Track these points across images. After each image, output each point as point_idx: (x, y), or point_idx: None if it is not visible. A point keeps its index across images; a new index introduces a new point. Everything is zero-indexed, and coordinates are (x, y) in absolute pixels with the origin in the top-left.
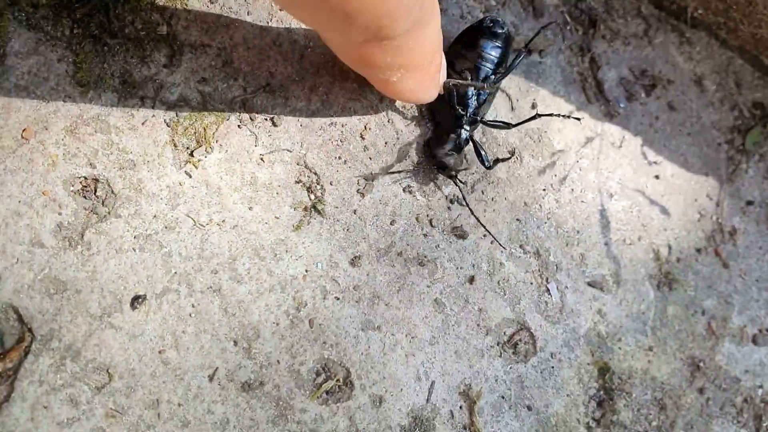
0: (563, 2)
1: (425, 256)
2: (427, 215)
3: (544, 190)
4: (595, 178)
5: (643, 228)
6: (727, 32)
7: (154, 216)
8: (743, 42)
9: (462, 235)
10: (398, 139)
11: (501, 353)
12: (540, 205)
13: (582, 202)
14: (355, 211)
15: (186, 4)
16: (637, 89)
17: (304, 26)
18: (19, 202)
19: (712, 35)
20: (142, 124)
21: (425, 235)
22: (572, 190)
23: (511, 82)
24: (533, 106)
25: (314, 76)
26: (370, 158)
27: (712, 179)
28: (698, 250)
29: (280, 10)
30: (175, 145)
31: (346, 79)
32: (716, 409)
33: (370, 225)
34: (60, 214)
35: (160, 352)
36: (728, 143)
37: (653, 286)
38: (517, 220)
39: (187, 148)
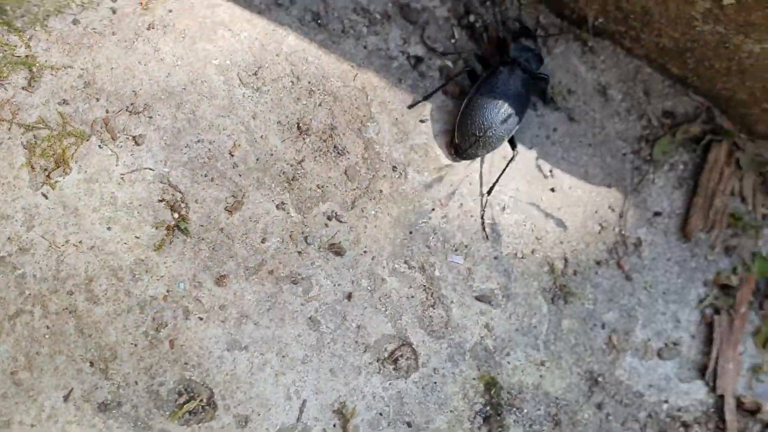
0: (453, 15)
1: (299, 274)
2: (302, 232)
3: (432, 207)
4: (485, 191)
5: (538, 241)
6: (631, 41)
7: (8, 238)
8: (648, 51)
9: (339, 252)
10: (272, 155)
11: (380, 369)
12: (427, 221)
13: (471, 216)
14: (222, 230)
15: (46, 26)
16: (534, 100)
17: (173, 44)
18: None
19: (617, 44)
20: None
21: (299, 253)
22: (461, 204)
23: (395, 97)
24: (422, 121)
25: (181, 93)
26: (240, 175)
27: (615, 191)
28: (598, 263)
29: (148, 29)
30: (32, 167)
31: (215, 97)
32: (617, 425)
33: (238, 243)
34: None
35: (12, 373)
36: (635, 153)
37: (546, 299)
38: (402, 235)
39: (45, 169)
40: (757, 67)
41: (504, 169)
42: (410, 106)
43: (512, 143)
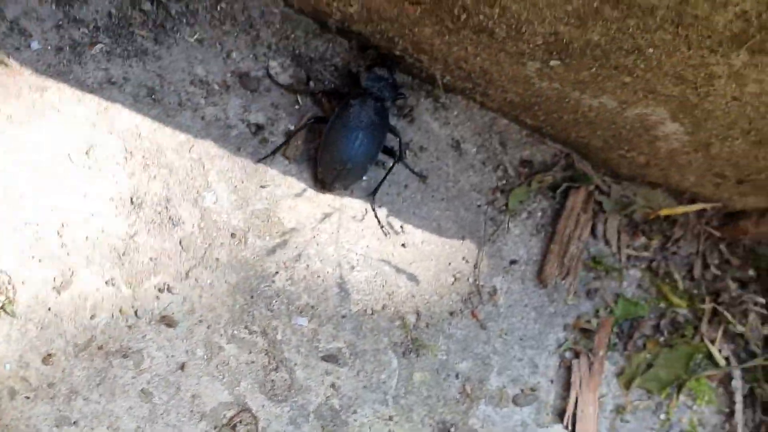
0: (296, 81)
1: (129, 348)
2: (132, 306)
3: (276, 270)
4: (334, 251)
5: (389, 297)
6: (481, 96)
7: None
8: (499, 104)
9: (171, 324)
10: (102, 232)
11: None
12: (270, 284)
13: (318, 276)
14: (50, 309)
15: None
16: (383, 160)
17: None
18: None
19: (469, 99)
20: None
21: (129, 327)
22: (308, 266)
23: (234, 165)
24: (263, 186)
25: (5, 177)
26: (68, 254)
27: (469, 242)
28: (451, 314)
29: None
30: None
31: (43, 178)
32: None
33: (67, 321)
34: None
35: None
36: (489, 204)
37: (397, 354)
38: (242, 301)
39: None
40: (602, 119)
41: (386, 174)
42: (259, 161)
43: (391, 153)
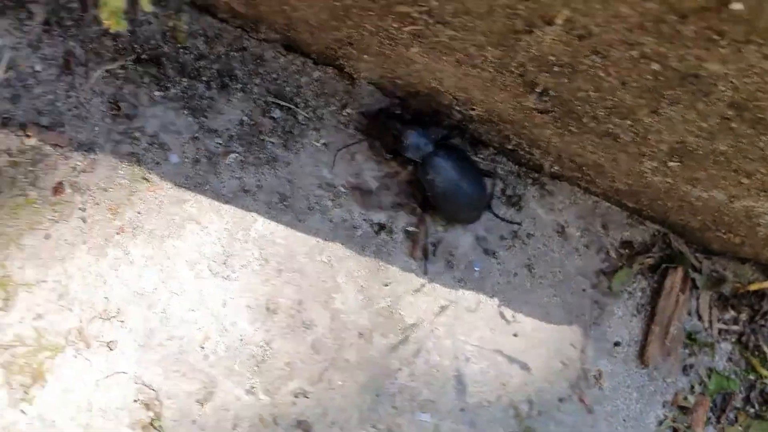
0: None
1: None
2: (271, 413)
3: (398, 367)
4: (450, 344)
5: (503, 387)
6: (587, 183)
7: None
8: (604, 190)
9: (307, 429)
10: (242, 341)
11: None
12: (393, 381)
13: (437, 371)
14: (194, 421)
15: (20, 245)
16: (496, 248)
17: (143, 246)
18: None
19: (574, 185)
20: None
21: None
22: (427, 360)
23: (360, 265)
24: (386, 285)
25: (152, 293)
26: (210, 366)
27: (576, 326)
28: (561, 400)
29: (118, 234)
30: (10, 386)
31: (185, 292)
32: None
33: None
34: None
35: None
36: (594, 288)
37: None
38: (369, 400)
39: (22, 385)
40: (707, 208)
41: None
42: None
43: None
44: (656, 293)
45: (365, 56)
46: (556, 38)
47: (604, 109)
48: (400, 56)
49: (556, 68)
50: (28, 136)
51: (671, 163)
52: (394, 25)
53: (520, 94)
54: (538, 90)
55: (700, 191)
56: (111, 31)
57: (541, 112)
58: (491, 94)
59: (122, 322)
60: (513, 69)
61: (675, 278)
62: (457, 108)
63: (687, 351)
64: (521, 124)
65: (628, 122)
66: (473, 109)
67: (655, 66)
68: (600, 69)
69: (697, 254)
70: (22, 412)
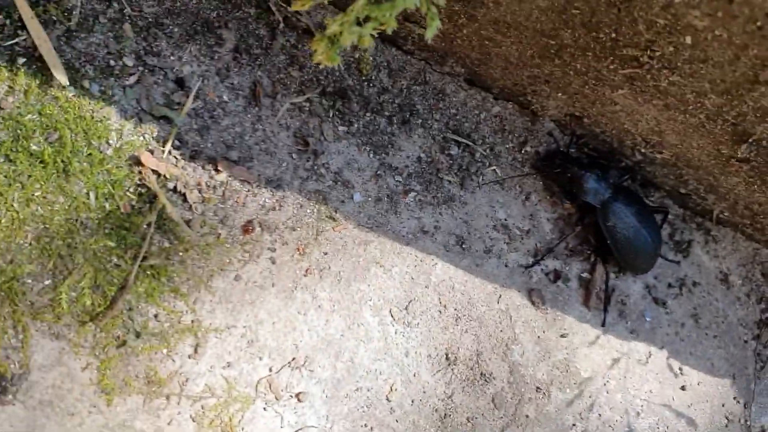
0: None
1: None
2: None
3: (573, 422)
4: (621, 398)
5: None
6: (753, 230)
7: None
8: None
9: None
10: (425, 393)
11: None
12: None
13: (609, 426)
14: None
15: (210, 287)
16: (665, 297)
17: (329, 289)
18: None
19: (737, 231)
20: (168, 424)
21: None
22: (600, 415)
23: (536, 314)
24: (563, 336)
25: (339, 340)
26: (397, 420)
27: (739, 380)
28: None
29: (305, 275)
30: None
31: (371, 339)
32: None
33: None
34: None
35: None
36: (755, 339)
37: None
38: None
39: None
40: None
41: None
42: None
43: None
44: None
45: (559, 94)
46: None
47: None
48: (601, 96)
49: None
50: (218, 171)
51: None
52: (610, 67)
53: (724, 141)
54: (751, 139)
55: None
56: (322, 65)
57: (740, 161)
58: (689, 139)
59: (311, 371)
60: (729, 117)
61: None
62: (642, 150)
63: None
64: (709, 170)
65: None
66: (660, 153)
67: None
68: None
69: None
70: None
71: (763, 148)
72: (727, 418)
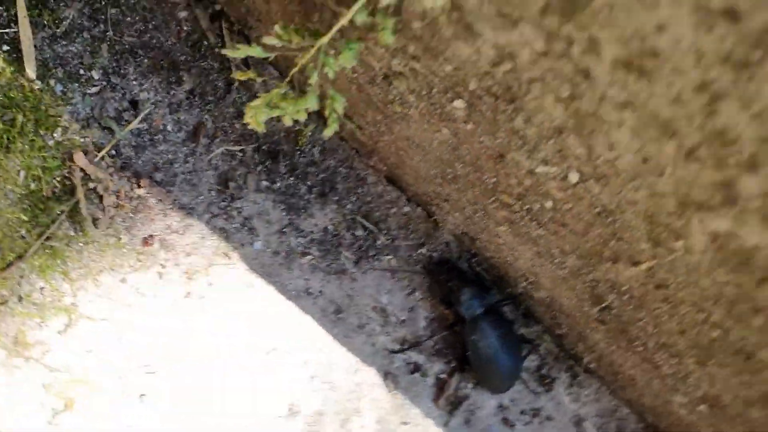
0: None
1: None
2: None
3: None
4: None
5: None
6: (617, 388)
7: None
8: (630, 400)
9: None
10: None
11: None
12: None
13: None
14: None
15: (97, 280)
16: (515, 420)
17: (203, 316)
18: None
19: (604, 384)
20: (20, 381)
21: None
22: None
23: (386, 397)
24: (404, 423)
25: (196, 359)
26: None
27: None
28: None
29: (184, 298)
30: (42, 405)
31: (217, 359)
32: None
33: None
34: None
35: None
36: None
37: None
38: None
39: (53, 409)
40: None
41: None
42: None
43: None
44: None
45: (456, 214)
46: (634, 276)
47: (656, 342)
48: (487, 227)
49: (625, 296)
50: (139, 186)
51: (701, 407)
52: (492, 206)
53: (584, 300)
54: (602, 305)
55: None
56: (249, 127)
57: (598, 321)
58: (559, 288)
59: (162, 379)
60: (586, 280)
61: None
62: (524, 284)
63: None
64: (577, 321)
65: (674, 361)
66: (538, 292)
67: (716, 333)
68: (665, 314)
69: None
70: (49, 423)
71: (615, 315)
72: None
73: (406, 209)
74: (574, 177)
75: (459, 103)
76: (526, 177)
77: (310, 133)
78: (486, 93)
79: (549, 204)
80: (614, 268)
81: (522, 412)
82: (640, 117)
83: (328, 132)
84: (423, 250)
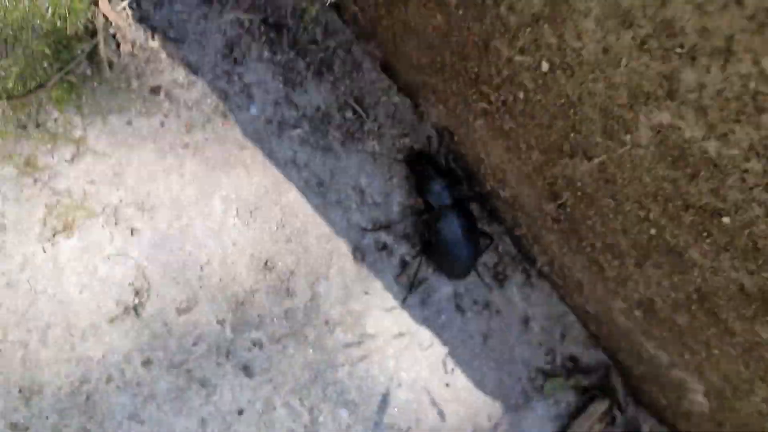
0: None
1: (209, 380)
2: (228, 348)
3: (342, 363)
4: (392, 366)
5: (416, 422)
6: (565, 294)
7: (2, 273)
8: (576, 306)
9: (249, 374)
10: (233, 279)
11: None
12: (334, 372)
13: (371, 381)
14: (166, 324)
15: (106, 119)
16: (466, 308)
17: (196, 166)
18: None
19: (555, 289)
20: (27, 200)
21: (218, 364)
22: (367, 369)
23: (353, 267)
24: (366, 293)
25: (186, 207)
26: (201, 287)
27: (498, 404)
28: None
29: (182, 148)
30: (44, 224)
31: (210, 219)
32: None
33: (174, 339)
34: None
35: None
36: (529, 381)
37: None
38: (307, 377)
39: (53, 229)
40: (650, 362)
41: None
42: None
43: (487, 236)
44: (578, 412)
45: (440, 106)
46: (588, 171)
47: (602, 243)
48: (466, 121)
49: (579, 193)
50: (153, 38)
51: (636, 312)
52: (473, 96)
53: (543, 197)
54: (558, 201)
55: (650, 346)
56: None
57: (553, 220)
58: (522, 186)
59: (151, 218)
60: (547, 176)
61: (599, 407)
62: (491, 183)
63: None
64: (534, 220)
65: (616, 262)
66: (503, 190)
67: (653, 231)
68: (611, 211)
69: (627, 397)
70: (43, 249)
71: (568, 214)
72: (473, 428)
73: (396, 99)
74: (545, 66)
75: None
76: (505, 66)
77: (314, 13)
78: None
79: (521, 95)
80: (571, 163)
81: (474, 302)
82: (604, 6)
83: None
84: (406, 140)
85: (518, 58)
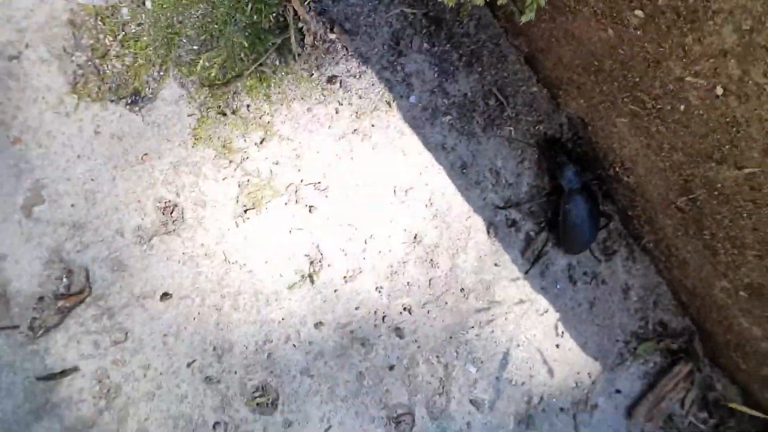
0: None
1: (368, 340)
2: (384, 313)
3: (472, 325)
4: (513, 328)
5: (530, 378)
6: (665, 268)
7: (201, 244)
8: (673, 279)
9: (400, 335)
10: (390, 251)
11: (386, 425)
12: (465, 333)
13: (495, 342)
14: (336, 291)
15: (290, 106)
16: (577, 279)
17: (366, 150)
18: (120, 201)
19: (654, 263)
20: (223, 179)
21: (375, 326)
22: (492, 331)
23: (487, 241)
24: (496, 265)
25: (361, 186)
26: (364, 258)
27: (598, 363)
28: (561, 409)
29: (353, 133)
30: (237, 201)
31: (375, 197)
32: None
33: (341, 304)
34: (142, 219)
35: (164, 335)
36: (625, 343)
37: (515, 421)
38: (443, 338)
39: (245, 206)
40: (740, 333)
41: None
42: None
43: (607, 215)
44: (664, 371)
45: (581, 101)
46: (733, 177)
47: (725, 234)
48: (608, 116)
49: (715, 192)
50: (332, 31)
51: (741, 293)
52: (624, 99)
53: (673, 189)
54: (690, 196)
55: (745, 320)
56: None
57: (678, 209)
58: (651, 176)
59: (326, 197)
60: (684, 174)
61: (683, 368)
62: (617, 169)
63: (661, 426)
64: (654, 206)
65: (735, 251)
66: (628, 177)
67: None
68: (746, 212)
69: (706, 359)
70: (236, 224)
71: (696, 207)
72: (576, 383)
73: (534, 89)
74: (719, 90)
75: (639, 13)
76: (672, 82)
77: (470, 8)
78: (670, 10)
79: (682, 107)
80: (716, 167)
81: (584, 273)
82: None
83: (525, 18)
84: (540, 127)
85: (690, 79)
